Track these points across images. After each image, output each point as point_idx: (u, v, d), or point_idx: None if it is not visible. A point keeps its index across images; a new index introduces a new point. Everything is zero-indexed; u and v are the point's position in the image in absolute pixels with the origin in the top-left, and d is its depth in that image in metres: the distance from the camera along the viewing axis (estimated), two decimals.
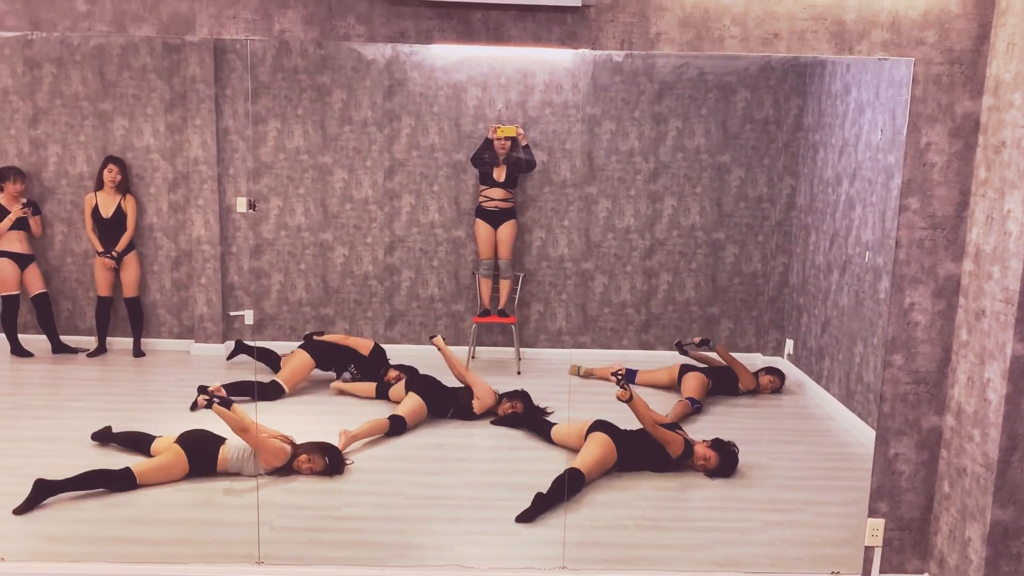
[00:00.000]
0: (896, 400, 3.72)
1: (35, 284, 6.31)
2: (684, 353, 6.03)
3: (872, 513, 3.82)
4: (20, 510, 4.04)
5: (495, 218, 6.42)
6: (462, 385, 5.47)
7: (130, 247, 6.38)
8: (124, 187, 6.34)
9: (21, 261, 6.26)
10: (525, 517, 4.12)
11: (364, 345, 6.02)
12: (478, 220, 6.46)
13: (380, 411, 5.22)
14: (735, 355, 6.10)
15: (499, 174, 6.35)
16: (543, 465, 4.70)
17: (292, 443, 4.55)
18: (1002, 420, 3.31)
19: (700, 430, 5.37)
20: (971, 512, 3.52)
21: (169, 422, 4.75)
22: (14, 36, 6.04)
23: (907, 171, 3.55)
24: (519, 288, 6.63)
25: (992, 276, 3.39)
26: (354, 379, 5.86)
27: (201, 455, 4.40)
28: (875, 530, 3.83)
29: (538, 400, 5.37)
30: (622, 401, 4.55)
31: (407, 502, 4.29)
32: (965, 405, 3.57)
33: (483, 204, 6.42)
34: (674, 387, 5.93)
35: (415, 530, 4.04)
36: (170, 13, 3.42)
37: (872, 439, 3.91)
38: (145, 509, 4.14)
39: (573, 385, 5.91)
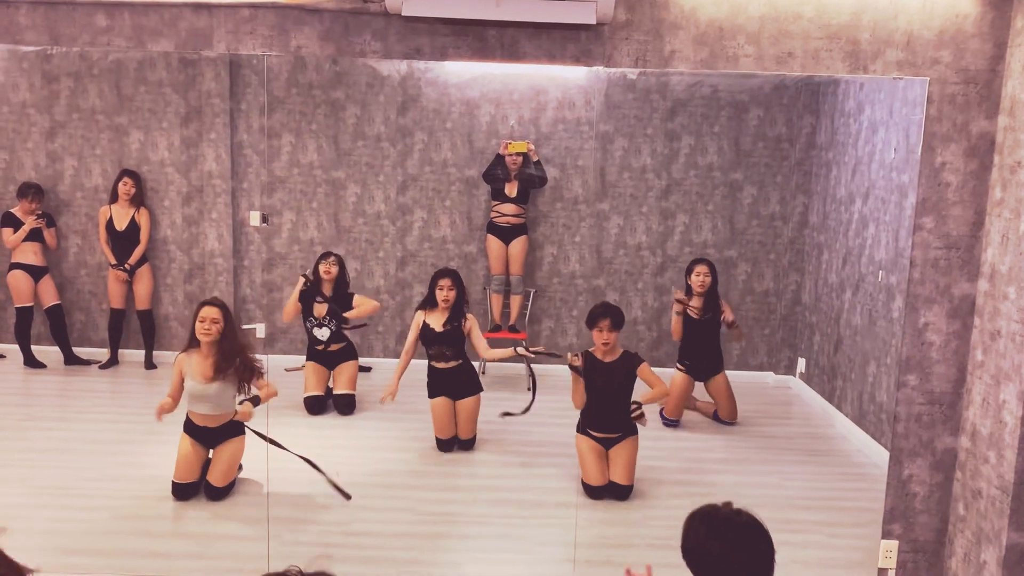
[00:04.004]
0: (910, 421, 3.69)
1: (49, 296, 6.34)
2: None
3: (886, 535, 3.79)
4: None
5: (507, 234, 6.42)
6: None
7: (143, 260, 6.40)
8: (138, 200, 6.37)
9: (35, 273, 6.30)
10: None
11: None
12: (489, 236, 6.46)
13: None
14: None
15: (511, 190, 6.36)
16: (554, 483, 4.70)
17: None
18: (1018, 442, 3.28)
19: (712, 447, 5.34)
20: (987, 535, 3.48)
21: (178, 434, 4.75)
22: (33, 50, 6.11)
23: (922, 190, 3.54)
24: (530, 304, 6.63)
25: (1008, 296, 3.37)
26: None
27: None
28: (889, 552, 3.79)
29: (546, 417, 5.32)
30: None
31: (417, 518, 4.28)
32: (980, 427, 3.54)
33: (495, 220, 6.43)
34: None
35: (425, 546, 4.02)
36: (188, 29, 3.45)
37: (885, 460, 3.88)
38: (156, 522, 4.14)
39: None
